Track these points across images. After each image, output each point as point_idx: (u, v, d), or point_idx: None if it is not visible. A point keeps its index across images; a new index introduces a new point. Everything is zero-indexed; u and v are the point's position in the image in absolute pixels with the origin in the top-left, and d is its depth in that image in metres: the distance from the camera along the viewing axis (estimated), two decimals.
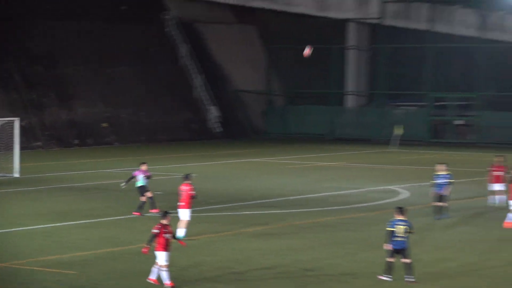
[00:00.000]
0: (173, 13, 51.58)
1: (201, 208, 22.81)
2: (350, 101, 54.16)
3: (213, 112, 50.77)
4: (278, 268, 16.29)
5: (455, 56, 53.24)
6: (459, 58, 53.01)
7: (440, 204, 22.42)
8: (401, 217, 14.83)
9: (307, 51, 25.31)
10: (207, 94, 50.99)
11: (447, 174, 22.82)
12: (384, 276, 14.83)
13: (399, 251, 14.52)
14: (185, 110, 50.79)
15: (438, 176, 22.79)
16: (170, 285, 13.91)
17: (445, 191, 22.38)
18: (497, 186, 24.76)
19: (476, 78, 51.51)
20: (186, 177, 19.20)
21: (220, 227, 21.69)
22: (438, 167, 23.02)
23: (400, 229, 14.59)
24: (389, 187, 30.56)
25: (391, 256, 14.68)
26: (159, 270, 13.92)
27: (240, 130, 52.37)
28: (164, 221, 14.15)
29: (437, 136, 50.60)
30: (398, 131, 45.89)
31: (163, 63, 50.55)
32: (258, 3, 52.43)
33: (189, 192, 18.71)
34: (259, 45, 56.17)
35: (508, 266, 16.96)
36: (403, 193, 29.13)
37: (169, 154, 42.17)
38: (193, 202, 19.01)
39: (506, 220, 21.33)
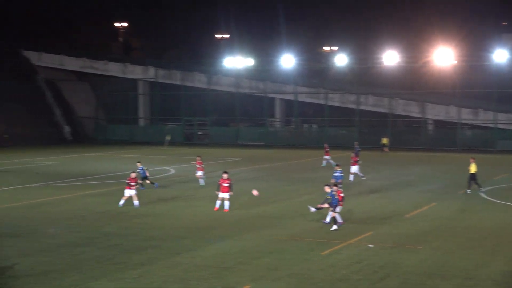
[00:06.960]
0: (41, 75, 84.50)
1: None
2: (141, 122, 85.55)
3: (66, 129, 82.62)
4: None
5: (196, 97, 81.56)
6: (198, 99, 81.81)
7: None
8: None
9: (255, 193, 27.11)
10: (63, 119, 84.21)
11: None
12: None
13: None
14: (48, 127, 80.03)
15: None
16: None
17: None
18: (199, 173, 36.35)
19: (206, 109, 79.09)
20: None
21: (71, 190, 33.14)
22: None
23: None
24: (164, 167, 45.29)
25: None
26: None
27: (81, 138, 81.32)
28: None
29: (188, 140, 78.58)
30: (168, 137, 73.13)
31: (36, 103, 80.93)
32: (88, 70, 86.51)
33: None
34: (91, 91, 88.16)
35: None
36: (172, 170, 43.12)
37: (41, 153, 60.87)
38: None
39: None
